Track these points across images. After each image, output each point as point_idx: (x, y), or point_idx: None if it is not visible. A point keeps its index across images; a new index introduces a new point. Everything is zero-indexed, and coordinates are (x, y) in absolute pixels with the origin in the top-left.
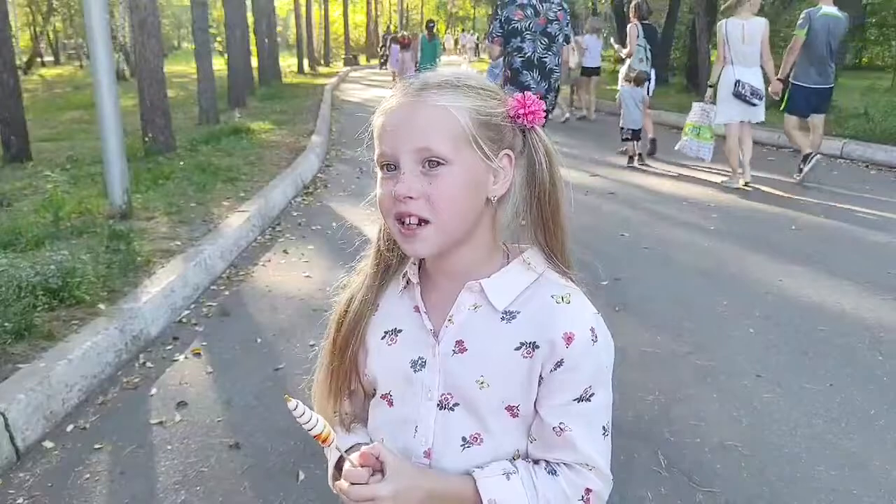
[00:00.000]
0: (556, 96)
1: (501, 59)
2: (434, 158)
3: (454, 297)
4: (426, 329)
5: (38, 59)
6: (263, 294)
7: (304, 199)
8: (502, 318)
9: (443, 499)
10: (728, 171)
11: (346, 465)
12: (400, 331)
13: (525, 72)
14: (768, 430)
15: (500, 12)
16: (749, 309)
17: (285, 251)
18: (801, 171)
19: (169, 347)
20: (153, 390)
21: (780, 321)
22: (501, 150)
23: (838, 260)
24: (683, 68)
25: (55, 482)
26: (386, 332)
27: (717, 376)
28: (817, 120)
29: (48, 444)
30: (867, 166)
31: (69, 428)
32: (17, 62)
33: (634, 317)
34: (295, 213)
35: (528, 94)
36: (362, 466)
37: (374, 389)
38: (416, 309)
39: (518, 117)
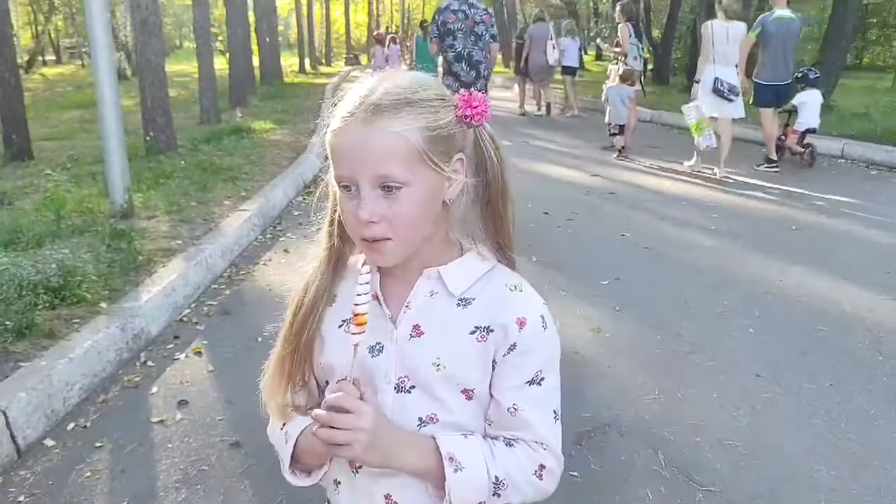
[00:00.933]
0: (485, 84)
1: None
2: (392, 183)
3: (411, 285)
4: (384, 315)
5: (40, 58)
6: (264, 293)
7: (305, 199)
8: (458, 304)
9: (406, 447)
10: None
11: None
12: None
13: (457, 63)
14: (768, 429)
15: (437, 17)
16: (749, 308)
17: (286, 250)
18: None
19: (170, 346)
20: (154, 389)
21: (779, 321)
22: (454, 157)
23: (838, 260)
24: (684, 68)
25: (56, 480)
26: (344, 321)
27: (716, 376)
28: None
29: (49, 442)
30: (867, 166)
31: (70, 426)
32: (19, 61)
33: (634, 316)
34: (296, 213)
35: (473, 93)
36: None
37: (327, 381)
38: (374, 297)
39: (466, 118)
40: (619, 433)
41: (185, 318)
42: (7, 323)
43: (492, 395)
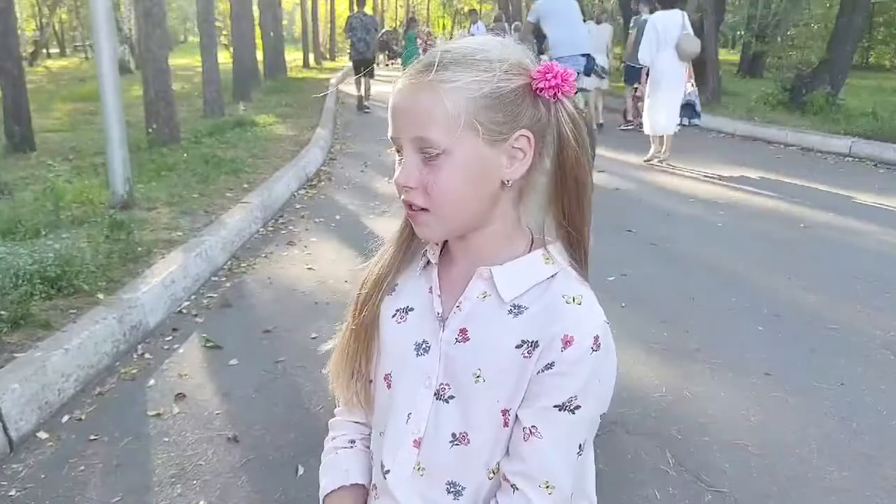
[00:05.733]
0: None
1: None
2: (430, 148)
3: (468, 280)
4: (434, 312)
5: (44, 51)
6: (265, 286)
7: (307, 192)
8: (509, 311)
9: None
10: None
11: None
12: (411, 309)
13: None
14: (778, 428)
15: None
16: (757, 306)
17: (288, 243)
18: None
19: (168, 338)
20: (151, 381)
21: (789, 319)
22: (516, 131)
23: (847, 258)
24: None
25: (49, 474)
26: (398, 310)
27: (725, 374)
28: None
29: (43, 434)
30: (875, 165)
31: (65, 419)
32: (23, 53)
33: (640, 313)
34: (298, 206)
35: (553, 63)
36: None
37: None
38: (430, 290)
39: (540, 90)
40: (625, 431)
41: (184, 311)
42: (2, 313)
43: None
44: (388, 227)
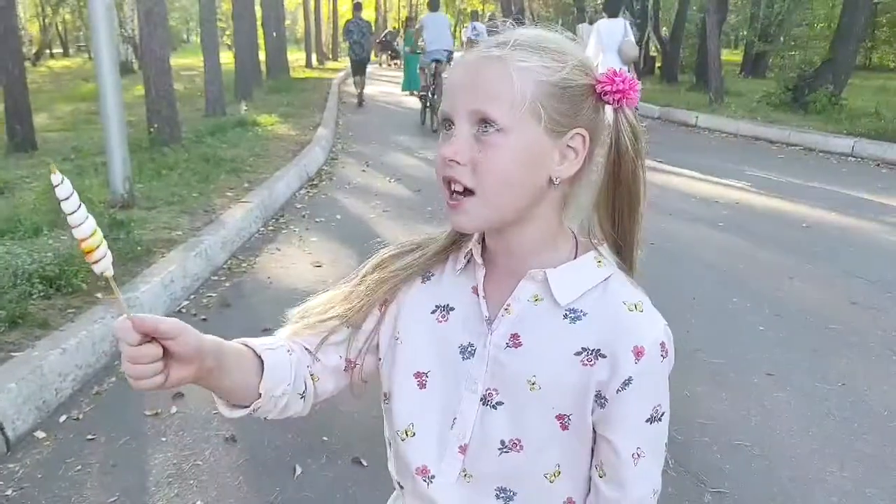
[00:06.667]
0: None
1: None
2: (488, 123)
3: (513, 282)
4: (481, 315)
5: (47, 51)
6: (265, 286)
7: (308, 192)
8: (565, 316)
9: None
10: None
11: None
12: (453, 309)
13: None
14: (779, 429)
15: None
16: (759, 306)
17: (288, 243)
18: None
19: None
20: None
21: (790, 319)
22: (573, 128)
23: (849, 258)
24: (692, 66)
25: (46, 473)
26: (438, 307)
27: (726, 374)
28: None
29: (40, 434)
30: (878, 164)
31: (62, 418)
32: (26, 53)
33: None
34: (299, 206)
35: (620, 70)
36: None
37: (380, 359)
38: (475, 290)
39: (605, 94)
40: None
41: (183, 310)
42: (1, 312)
43: (603, 436)
44: (388, 227)
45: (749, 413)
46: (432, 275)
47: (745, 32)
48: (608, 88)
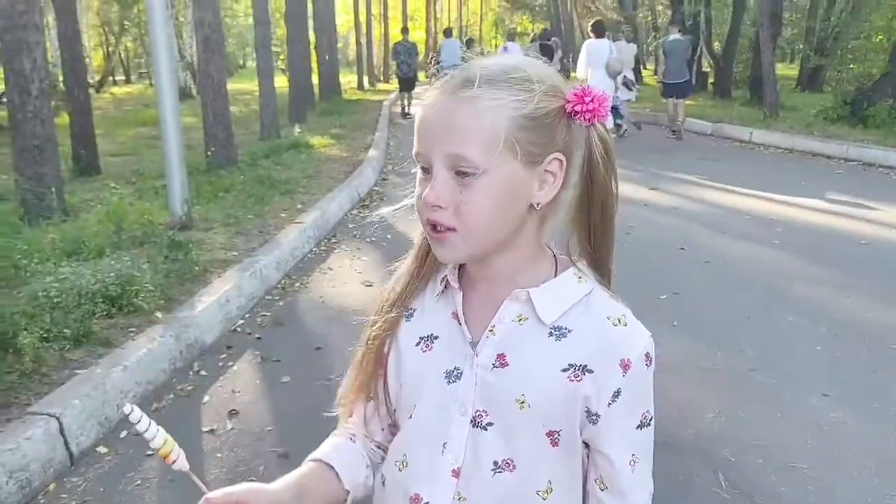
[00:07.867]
0: None
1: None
2: (466, 168)
3: (495, 304)
4: (464, 338)
5: (111, 78)
6: (317, 305)
7: (360, 212)
8: (550, 334)
9: None
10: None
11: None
12: (436, 337)
13: None
14: (837, 451)
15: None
16: (815, 325)
17: (340, 263)
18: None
19: (223, 356)
20: (206, 398)
21: (848, 338)
22: (550, 154)
23: None
24: (746, 81)
25: (107, 487)
26: (421, 338)
27: (781, 395)
28: (678, 101)
29: (102, 449)
30: None
31: (122, 434)
32: (90, 81)
33: (693, 332)
34: (350, 226)
35: (589, 87)
36: None
37: (395, 409)
38: (454, 315)
39: (575, 114)
40: (676, 453)
41: (238, 329)
42: (66, 331)
43: (600, 452)
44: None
45: (805, 435)
46: (413, 310)
47: (800, 46)
48: (578, 108)
